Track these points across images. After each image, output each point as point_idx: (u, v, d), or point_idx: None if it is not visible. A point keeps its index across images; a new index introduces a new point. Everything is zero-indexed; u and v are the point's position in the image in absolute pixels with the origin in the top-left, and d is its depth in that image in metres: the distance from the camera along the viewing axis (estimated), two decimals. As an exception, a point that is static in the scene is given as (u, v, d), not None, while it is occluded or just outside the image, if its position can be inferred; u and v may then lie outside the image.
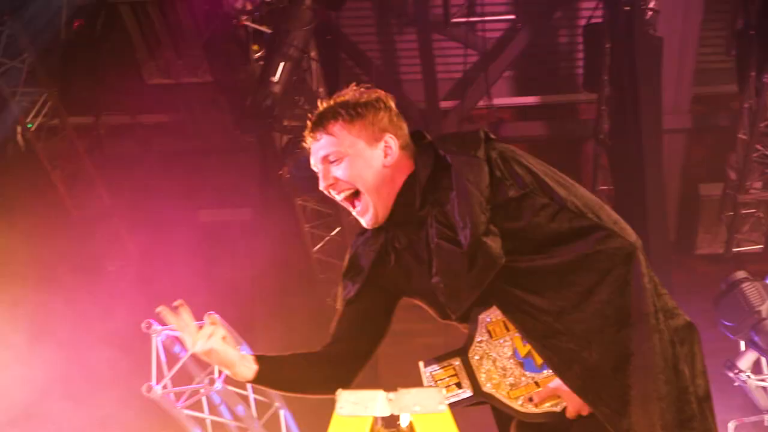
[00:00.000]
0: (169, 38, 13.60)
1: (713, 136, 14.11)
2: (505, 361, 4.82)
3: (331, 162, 4.80)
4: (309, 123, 4.87)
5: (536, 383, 4.77)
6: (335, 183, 4.80)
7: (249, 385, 10.97)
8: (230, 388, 11.02)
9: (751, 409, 10.99)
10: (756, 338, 10.46)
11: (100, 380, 11.70)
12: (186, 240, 13.36)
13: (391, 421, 4.87)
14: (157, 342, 10.48)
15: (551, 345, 4.64)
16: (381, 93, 4.90)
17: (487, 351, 4.86)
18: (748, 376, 10.73)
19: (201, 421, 11.08)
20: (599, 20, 12.60)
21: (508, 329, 4.81)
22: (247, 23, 11.35)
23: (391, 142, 4.76)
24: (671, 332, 4.62)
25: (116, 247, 13.25)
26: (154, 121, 14.25)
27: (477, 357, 4.89)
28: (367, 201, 4.81)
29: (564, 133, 14.37)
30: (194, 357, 10.88)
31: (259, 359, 4.86)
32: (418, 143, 4.84)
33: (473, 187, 4.66)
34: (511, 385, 4.81)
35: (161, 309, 4.80)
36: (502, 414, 4.93)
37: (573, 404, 4.70)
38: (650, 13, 11.94)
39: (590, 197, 4.75)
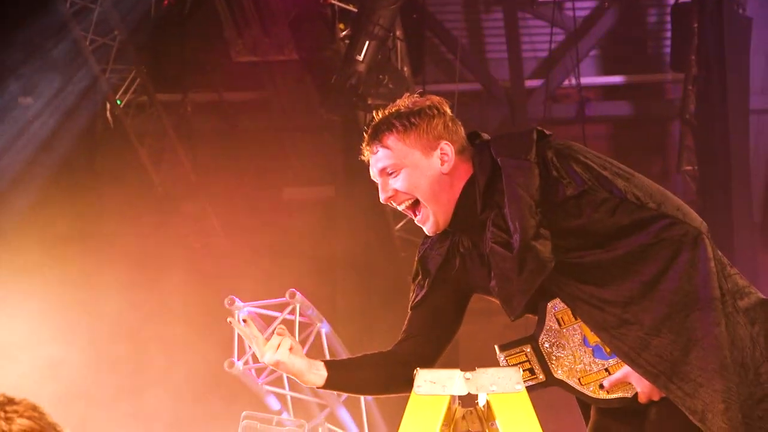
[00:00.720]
0: (257, 16, 13.66)
1: None
2: (574, 348, 4.90)
3: (389, 174, 4.83)
4: (365, 135, 4.90)
5: (606, 370, 4.83)
6: (395, 195, 4.83)
7: (327, 356, 11.11)
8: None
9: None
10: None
11: (181, 355, 11.82)
12: (270, 217, 13.50)
13: (468, 401, 4.97)
14: (238, 318, 10.63)
15: (620, 335, 4.69)
16: (435, 99, 4.90)
17: (557, 338, 4.93)
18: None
19: (282, 397, 11.18)
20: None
21: (576, 317, 4.87)
22: (334, 2, 11.43)
23: (447, 148, 4.79)
24: (742, 313, 4.68)
25: (202, 224, 13.35)
26: (240, 99, 14.43)
27: (547, 344, 4.95)
28: (427, 211, 4.85)
29: (650, 113, 14.36)
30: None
31: (329, 365, 4.95)
32: (475, 144, 4.87)
33: (523, 191, 4.69)
34: (582, 371, 4.88)
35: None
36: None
37: (644, 390, 4.76)
38: None
39: (651, 185, 4.77)
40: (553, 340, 4.96)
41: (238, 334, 10.53)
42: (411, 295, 5.18)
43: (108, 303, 11.85)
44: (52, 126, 12.22)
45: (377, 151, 4.85)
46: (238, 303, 10.55)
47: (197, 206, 13.42)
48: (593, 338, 4.86)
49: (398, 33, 12.09)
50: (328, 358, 10.91)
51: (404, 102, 4.88)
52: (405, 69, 12.41)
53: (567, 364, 4.94)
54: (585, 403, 5.04)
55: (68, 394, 11.28)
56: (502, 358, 5.03)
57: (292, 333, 10.72)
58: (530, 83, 14.02)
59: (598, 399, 4.92)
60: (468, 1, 14.15)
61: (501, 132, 5.13)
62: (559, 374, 4.95)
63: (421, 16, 13.06)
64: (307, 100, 13.13)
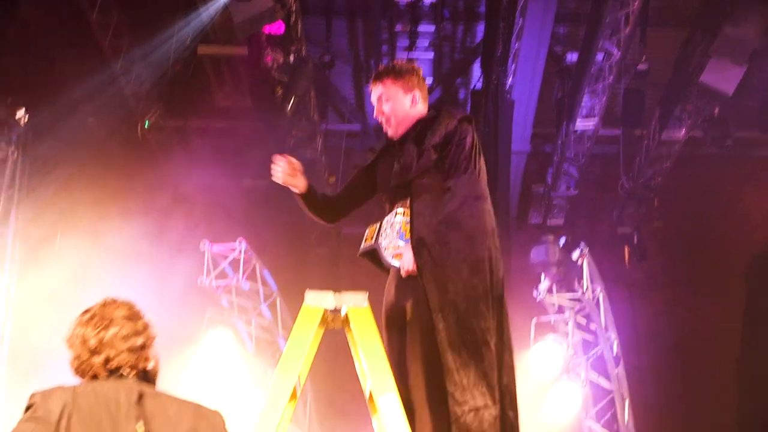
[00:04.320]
0: (231, 78, 13.70)
1: (542, 157, 14.15)
2: (393, 231, 5.01)
3: (384, 101, 4.97)
4: (373, 78, 5.06)
5: (398, 246, 4.96)
6: (381, 113, 4.99)
7: (259, 280, 11.13)
8: (248, 282, 11.12)
9: (545, 312, 11.31)
10: (551, 272, 10.81)
11: (170, 279, 11.14)
12: (230, 191, 13.34)
13: (336, 311, 5.21)
14: (207, 254, 10.69)
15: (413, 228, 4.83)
16: (415, 66, 5.06)
17: (389, 223, 5.04)
18: (542, 295, 11.11)
19: (231, 302, 11.22)
20: (480, 87, 12.53)
21: (400, 213, 4.99)
22: (275, 74, 11.44)
23: (417, 96, 4.97)
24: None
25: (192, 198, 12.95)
26: (220, 125, 14.15)
27: (385, 223, 5.08)
28: (395, 127, 5.01)
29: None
30: (230, 263, 10.83)
31: (309, 187, 5.09)
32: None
33: (438, 129, 4.81)
34: (389, 244, 5.01)
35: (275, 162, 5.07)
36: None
37: (405, 264, 4.87)
38: (508, 85, 12.07)
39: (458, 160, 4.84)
40: (387, 224, 5.08)
41: (207, 263, 10.59)
42: (360, 162, 5.31)
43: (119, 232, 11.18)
44: (105, 135, 12.15)
45: (378, 86, 4.99)
46: (209, 244, 10.62)
47: (189, 187, 13.06)
48: (403, 228, 4.95)
49: (312, 94, 12.10)
50: (259, 280, 11.03)
51: (398, 63, 5.04)
52: (315, 115, 12.45)
53: (386, 237, 5.05)
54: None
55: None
56: (367, 231, 5.20)
57: (238, 266, 10.78)
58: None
59: (387, 261, 5.04)
60: (356, 74, 13.90)
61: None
62: (380, 242, 5.08)
63: (326, 86, 12.99)
64: (257, 127, 13.08)
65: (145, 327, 3.77)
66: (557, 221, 13.92)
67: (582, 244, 10.82)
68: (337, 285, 5.67)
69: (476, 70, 13.13)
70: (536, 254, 10.71)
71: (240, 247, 10.72)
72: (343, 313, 5.08)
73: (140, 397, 3.54)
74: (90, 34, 11.22)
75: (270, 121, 11.86)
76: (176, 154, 13.21)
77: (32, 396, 3.49)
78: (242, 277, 10.72)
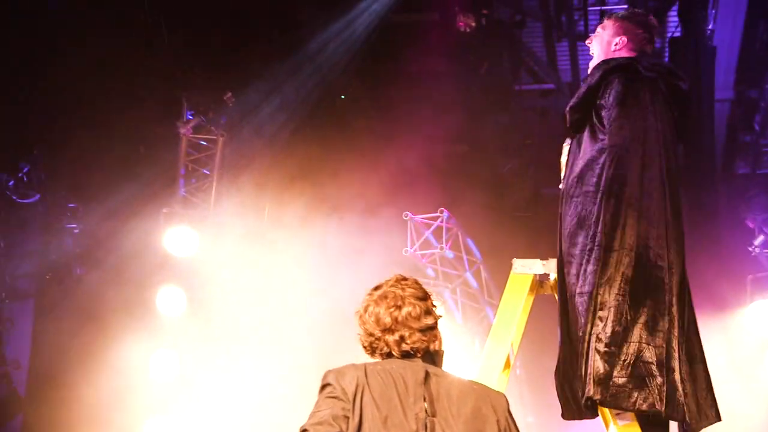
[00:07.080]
0: (423, 45, 13.39)
1: (748, 103, 13.08)
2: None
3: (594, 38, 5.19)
4: None
5: None
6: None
7: (462, 248, 11.13)
8: (452, 251, 11.11)
9: (761, 269, 10.81)
10: (765, 228, 10.36)
11: (373, 250, 11.07)
12: (430, 165, 13.03)
13: (544, 277, 5.18)
14: (410, 224, 10.81)
15: None
16: (640, 12, 5.28)
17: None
18: (758, 250, 10.63)
19: (436, 271, 11.30)
20: (679, 35, 12.18)
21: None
22: (467, 38, 11.36)
23: (620, 41, 5.10)
24: None
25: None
26: (415, 93, 13.24)
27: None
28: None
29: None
30: (433, 233, 10.84)
31: None
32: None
33: None
34: None
35: None
36: None
37: None
38: (708, 31, 11.59)
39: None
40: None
41: (411, 234, 10.66)
42: None
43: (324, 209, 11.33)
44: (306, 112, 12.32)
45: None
46: (411, 216, 10.74)
47: (387, 157, 12.60)
48: None
49: (504, 55, 12.02)
50: (463, 248, 11.01)
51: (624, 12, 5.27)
52: (508, 76, 12.38)
53: None
54: None
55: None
56: None
57: (440, 235, 10.76)
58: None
59: None
60: (547, 32, 13.45)
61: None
62: None
63: (518, 46, 12.75)
64: (451, 92, 12.76)
65: (433, 306, 3.78)
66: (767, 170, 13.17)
67: (797, 193, 10.26)
68: (539, 248, 5.60)
69: (672, 17, 12.59)
70: (748, 208, 10.26)
71: (443, 216, 10.80)
72: (552, 279, 5.06)
73: (426, 376, 3.58)
74: (285, 15, 11.44)
75: (464, 85, 11.71)
76: (373, 124, 13.29)
77: (326, 375, 3.61)
78: (446, 246, 10.77)
